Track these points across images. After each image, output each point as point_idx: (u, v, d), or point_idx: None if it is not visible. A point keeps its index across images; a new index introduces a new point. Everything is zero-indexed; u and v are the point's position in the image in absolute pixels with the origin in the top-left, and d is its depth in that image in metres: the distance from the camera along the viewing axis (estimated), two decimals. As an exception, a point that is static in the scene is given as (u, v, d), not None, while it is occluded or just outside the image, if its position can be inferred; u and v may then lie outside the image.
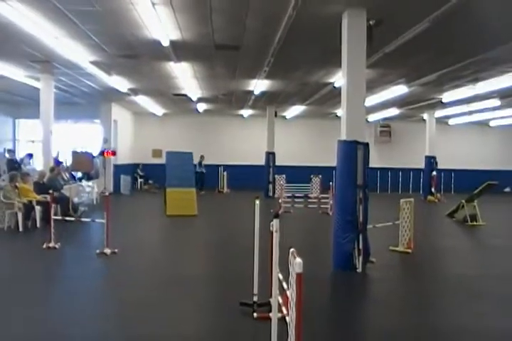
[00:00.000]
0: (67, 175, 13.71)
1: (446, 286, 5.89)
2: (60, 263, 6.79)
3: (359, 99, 6.84)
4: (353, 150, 6.62)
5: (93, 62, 10.48)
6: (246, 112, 21.04)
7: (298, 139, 23.03)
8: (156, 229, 10.37)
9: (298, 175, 20.64)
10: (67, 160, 16.66)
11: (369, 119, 21.01)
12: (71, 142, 18.54)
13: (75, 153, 16.34)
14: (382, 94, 13.84)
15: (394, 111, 18.58)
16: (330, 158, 21.20)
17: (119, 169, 18.77)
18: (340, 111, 6.93)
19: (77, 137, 19.05)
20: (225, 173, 20.98)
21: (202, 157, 20.08)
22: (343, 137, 6.83)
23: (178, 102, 18.03)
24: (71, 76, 12.03)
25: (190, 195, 12.34)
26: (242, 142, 22.78)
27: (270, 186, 18.51)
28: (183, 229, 10.07)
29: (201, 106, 19.32)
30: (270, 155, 18.82)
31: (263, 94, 15.29)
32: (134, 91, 15.06)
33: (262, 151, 19.23)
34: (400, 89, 12.90)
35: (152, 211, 13.39)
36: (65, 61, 10.14)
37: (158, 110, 20.75)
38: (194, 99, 16.54)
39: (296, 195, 14.26)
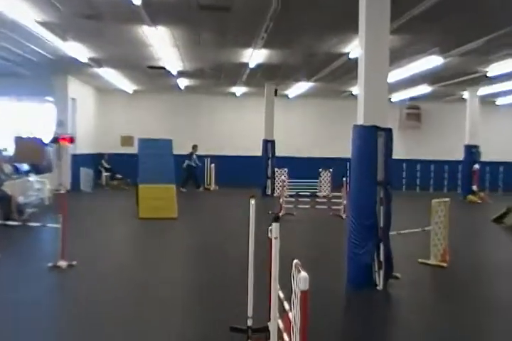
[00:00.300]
0: (9, 167, 13.54)
1: (491, 314, 5.68)
2: (0, 282, 6.53)
3: (380, 73, 6.82)
4: (372, 138, 6.62)
5: (42, 23, 10.31)
6: (239, 90, 21.02)
7: (303, 124, 23.08)
8: (126, 235, 10.37)
9: (303, 168, 20.72)
10: (8, 148, 16.42)
11: (393, 99, 21.04)
12: (14, 125, 18.13)
13: (19, 140, 16.05)
14: (410, 67, 13.84)
15: (424, 89, 18.57)
16: (343, 148, 21.19)
17: (79, 160, 18.70)
18: (356, 89, 6.88)
19: (23, 119, 18.57)
20: (212, 166, 21.00)
21: (195, 147, 20.07)
22: (360, 121, 6.83)
23: (153, 77, 17.95)
24: (12, 39, 11.76)
25: (168, 193, 12.35)
26: (234, 127, 22.79)
27: (269, 182, 18.58)
28: (159, 236, 10.07)
29: (183, 82, 19.27)
30: (269, 144, 18.85)
31: (260, 67, 15.24)
32: (97, 62, 14.97)
33: (259, 139, 19.25)
34: (432, 61, 12.87)
35: (121, 213, 13.38)
36: (3, 20, 9.93)
37: (128, 86, 20.68)
38: (174, 73, 16.47)
39: (301, 193, 14.30)
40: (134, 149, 17.02)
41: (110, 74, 17.25)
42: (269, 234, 4.07)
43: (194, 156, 19.99)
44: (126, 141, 22.05)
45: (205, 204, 16.29)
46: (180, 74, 17.13)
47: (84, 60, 14.05)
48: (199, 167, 20.04)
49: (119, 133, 22.19)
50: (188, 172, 19.60)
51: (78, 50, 13.05)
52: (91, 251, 8.39)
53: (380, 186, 6.65)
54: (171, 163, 12.90)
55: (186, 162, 19.61)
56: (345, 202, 12.70)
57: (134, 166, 13.86)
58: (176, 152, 13.68)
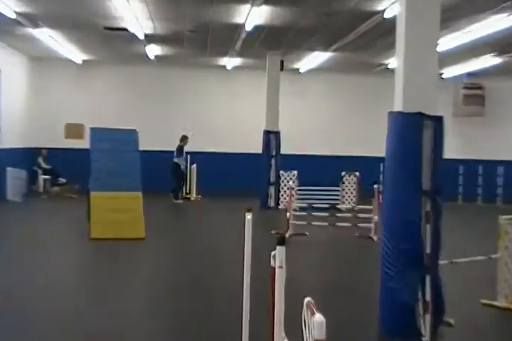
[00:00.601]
0: None
1: None
2: None
3: (428, 39, 6.84)
4: (415, 130, 6.63)
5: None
6: (231, 62, 21.08)
7: (319, 109, 23.18)
8: (69, 264, 10.36)
9: (319, 171, 20.81)
10: None
11: (445, 75, 21.11)
12: None
13: None
14: (471, 29, 13.85)
15: (490, 61, 18.60)
16: (375, 143, 21.14)
17: (3, 157, 18.73)
18: (393, 62, 6.82)
19: None
20: (193, 167, 21.04)
21: (184, 139, 19.95)
22: (399, 106, 6.85)
23: (111, 42, 17.97)
24: None
25: (133, 204, 12.40)
26: (224, 113, 22.87)
27: (271, 190, 18.64)
28: (117, 265, 10.06)
29: (153, 51, 19.30)
30: (272, 137, 18.91)
31: (260, 30, 15.26)
32: (31, 20, 14.97)
33: (258, 130, 19.31)
34: (502, 21, 12.89)
35: (65, 231, 13.37)
36: None
37: (76, 55, 20.73)
38: (140, 36, 16.52)
39: (316, 205, 14.32)
40: (84, 143, 17.04)
41: (50, 38, 17.27)
42: (272, 262, 4.08)
43: (183, 152, 19.88)
44: (74, 131, 22.10)
45: (183, 219, 16.32)
46: (150, 38, 17.15)
47: (11, 15, 14.00)
48: (182, 167, 19.84)
49: (63, 120, 22.24)
50: (175, 174, 19.49)
51: (1, 0, 13.03)
52: (21, 284, 8.38)
53: (425, 196, 6.65)
54: (135, 161, 12.90)
55: (175, 160, 19.51)
56: (376, 218, 12.72)
57: (84, 166, 13.83)
58: (142, 147, 13.69)
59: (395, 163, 6.80)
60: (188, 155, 20.69)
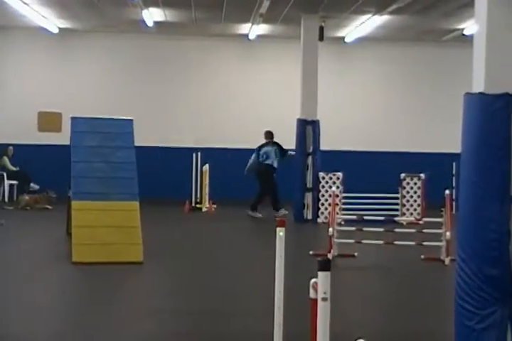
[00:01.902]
0: None
1: None
2: None
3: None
4: (501, 117, 6.58)
5: None
6: (254, 30, 21.09)
7: (370, 92, 23.10)
8: (46, 298, 10.40)
9: (371, 173, 20.70)
10: None
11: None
12: None
13: None
14: None
15: None
16: (445, 136, 20.93)
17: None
18: (471, 25, 6.70)
19: None
20: (205, 168, 21.08)
21: (269, 135, 19.87)
22: (479, 86, 6.79)
23: (97, 4, 18.06)
24: None
25: (128, 218, 12.43)
26: (245, 97, 22.90)
27: (308, 197, 18.61)
28: (108, 298, 10.11)
29: (152, 15, 19.38)
30: (309, 129, 18.88)
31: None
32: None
33: (291, 119, 19.31)
34: None
35: (39, 254, 13.41)
36: None
37: (51, 21, 20.90)
38: (135, -3, 16.62)
39: (368, 217, 14.26)
40: (63, 137, 17.13)
41: (18, 0, 17.41)
42: (312, 293, 4.07)
43: (269, 149, 19.58)
44: (49, 121, 22.27)
45: (193, 237, 16.30)
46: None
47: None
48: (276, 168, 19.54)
49: (35, 107, 22.44)
50: (266, 179, 19.37)
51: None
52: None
53: (516, 206, 6.61)
54: (131, 161, 12.96)
55: (267, 161, 19.27)
56: (449, 234, 12.65)
57: (63, 168, 13.90)
58: (138, 142, 13.74)
59: (475, 162, 6.75)
60: (199, 153, 20.75)
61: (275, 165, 19.40)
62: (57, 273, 11.76)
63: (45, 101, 22.27)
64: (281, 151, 19.48)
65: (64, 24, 21.22)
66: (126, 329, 8.52)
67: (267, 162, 19.38)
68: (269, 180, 19.25)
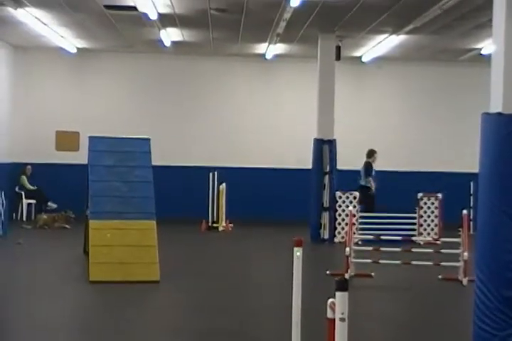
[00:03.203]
0: None
1: None
2: None
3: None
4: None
5: None
6: (271, 49, 21.16)
7: (387, 112, 23.13)
8: (64, 316, 10.42)
9: (388, 192, 20.61)
10: None
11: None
12: None
13: None
14: None
15: None
16: (462, 156, 20.81)
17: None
18: (488, 45, 6.67)
19: None
20: (222, 187, 21.10)
21: (372, 154, 19.74)
22: (497, 106, 6.79)
23: (115, 25, 18.21)
24: None
25: (145, 237, 12.44)
26: (262, 116, 22.93)
27: (325, 217, 18.57)
28: (124, 316, 10.10)
29: (170, 36, 19.51)
30: (326, 148, 18.87)
31: (311, 6, 15.33)
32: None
33: (307, 139, 19.33)
34: None
35: (57, 273, 13.43)
36: None
37: (69, 41, 21.03)
38: (153, 17, 16.71)
39: (385, 237, 14.22)
40: (80, 156, 17.20)
41: (36, 20, 17.51)
42: (330, 313, 4.07)
43: (372, 170, 19.48)
44: (67, 141, 22.36)
45: (210, 256, 16.29)
46: (165, 20, 17.34)
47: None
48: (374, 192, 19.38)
49: (53, 126, 22.57)
50: (363, 200, 18.99)
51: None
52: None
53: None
54: (148, 181, 13.00)
55: (361, 182, 19.18)
56: (467, 254, 12.58)
57: (80, 187, 13.95)
58: (155, 161, 13.79)
59: (492, 182, 6.74)
60: (215, 172, 20.77)
61: (362, 183, 19.28)
62: (74, 292, 11.76)
63: (63, 121, 22.39)
64: (365, 170, 19.49)
65: (82, 44, 21.37)
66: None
67: (359, 181, 19.40)
68: (363, 200, 19.10)
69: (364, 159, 19.47)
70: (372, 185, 19.17)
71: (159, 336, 9.18)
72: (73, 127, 22.18)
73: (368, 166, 19.38)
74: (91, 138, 13.73)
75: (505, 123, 6.68)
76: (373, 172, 19.37)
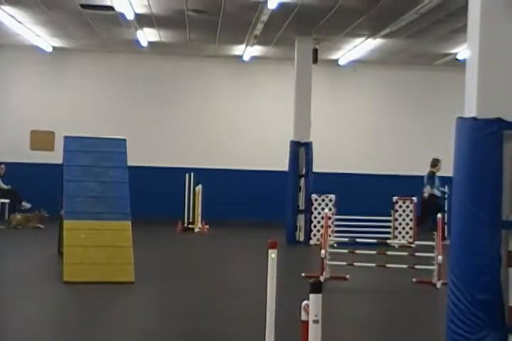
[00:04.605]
0: None
1: None
2: None
3: (509, 17, 6.85)
4: (492, 142, 6.62)
5: None
6: (248, 51, 21.20)
7: (363, 115, 23.22)
8: (37, 316, 10.38)
9: (364, 195, 20.73)
10: None
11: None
12: None
13: None
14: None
15: None
16: (439, 159, 20.86)
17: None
18: (464, 50, 6.71)
19: None
20: (198, 188, 21.09)
21: (436, 164, 19.63)
22: (471, 111, 6.83)
23: (91, 24, 18.14)
24: None
25: (120, 238, 12.40)
26: (238, 118, 22.96)
27: (300, 220, 18.61)
28: (99, 317, 10.08)
29: (146, 36, 19.49)
30: (302, 151, 18.91)
31: (288, 9, 15.36)
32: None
33: (284, 141, 19.35)
34: None
35: (30, 273, 13.36)
36: None
37: (45, 40, 21.01)
38: (130, 17, 16.68)
39: (360, 240, 14.27)
40: (55, 156, 17.13)
41: (12, 19, 17.51)
42: (303, 315, 4.09)
43: (436, 179, 19.67)
44: (41, 140, 22.26)
45: (185, 258, 16.28)
46: (142, 20, 17.32)
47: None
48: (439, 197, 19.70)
49: (28, 126, 22.47)
50: (429, 207, 19.19)
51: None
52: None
53: (508, 230, 6.63)
54: (124, 181, 12.97)
55: (427, 189, 19.40)
56: (441, 258, 12.66)
57: (55, 187, 13.89)
58: (134, 161, 13.75)
59: (466, 186, 6.78)
60: (191, 174, 20.76)
61: (430, 192, 19.45)
62: (48, 293, 11.70)
63: (37, 120, 22.28)
64: (429, 179, 19.66)
65: (58, 43, 21.28)
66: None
67: (423, 190, 19.55)
68: (428, 207, 19.25)
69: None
70: (437, 193, 19.45)
71: (134, 337, 9.16)
72: (48, 127, 22.08)
73: (431, 175, 19.59)
74: (66, 137, 13.66)
75: (479, 127, 6.72)
76: (437, 181, 19.52)
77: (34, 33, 19.42)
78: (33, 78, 22.64)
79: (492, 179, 6.64)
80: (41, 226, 19.52)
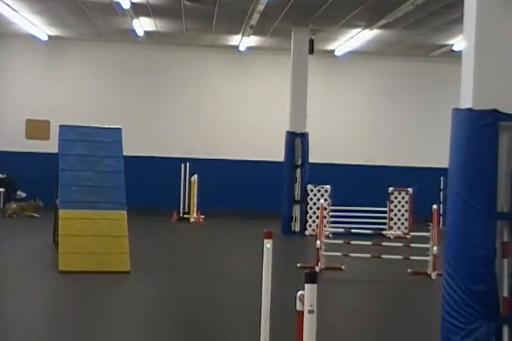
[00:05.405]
0: None
1: None
2: None
3: (509, 9, 6.85)
4: (489, 133, 6.62)
5: None
6: (244, 41, 21.16)
7: (360, 106, 23.21)
8: (32, 306, 10.37)
9: (360, 186, 20.75)
10: None
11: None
12: None
13: None
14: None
15: None
16: (433, 151, 20.94)
17: None
18: (460, 42, 6.75)
19: None
20: (194, 178, 21.08)
21: None
22: (467, 102, 6.83)
23: (87, 13, 18.09)
24: None
25: (116, 227, 12.41)
26: (234, 108, 22.94)
27: (296, 210, 18.62)
28: (94, 306, 10.09)
29: (143, 25, 19.44)
30: (298, 141, 18.90)
31: (284, 0, 15.30)
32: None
33: (280, 131, 19.36)
34: None
35: (26, 262, 13.36)
36: None
37: (40, 29, 20.93)
38: (126, 6, 16.63)
39: (356, 231, 14.30)
40: (51, 145, 17.10)
41: (7, 7, 17.44)
42: (299, 305, 4.10)
43: None
44: (37, 129, 22.22)
45: (181, 247, 16.30)
46: (138, 9, 17.27)
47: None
48: None
49: (24, 115, 22.41)
50: None
51: None
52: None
53: (503, 221, 6.65)
54: (119, 171, 12.96)
55: None
56: (436, 249, 12.69)
57: (50, 176, 13.89)
58: (127, 151, 13.74)
59: (462, 177, 6.79)
60: (188, 164, 20.75)
61: None
62: (43, 282, 11.71)
63: (33, 109, 22.22)
64: None
65: (53, 32, 21.21)
66: (112, 339, 8.52)
67: None
68: None
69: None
70: None
71: (129, 326, 9.18)
72: (44, 116, 22.03)
73: None
74: (62, 127, 13.65)
75: (474, 118, 6.72)
76: None
77: (30, 21, 19.35)
78: (28, 67, 22.56)
79: (488, 170, 6.64)
80: (36, 215, 19.51)
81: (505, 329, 6.64)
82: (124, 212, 12.65)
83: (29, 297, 10.68)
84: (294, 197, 18.62)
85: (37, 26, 20.14)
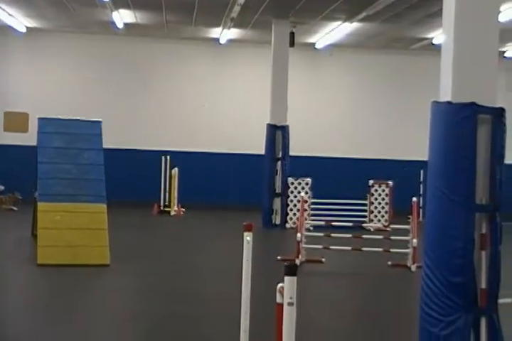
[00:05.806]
0: None
1: None
2: None
3: (486, 5, 6.86)
4: (467, 126, 6.66)
5: None
6: (225, 34, 21.11)
7: (340, 99, 23.24)
8: (10, 299, 10.35)
9: (340, 179, 20.80)
10: None
11: (508, 53, 21.10)
12: None
13: None
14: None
15: None
16: (413, 144, 21.01)
17: None
18: (439, 35, 6.79)
19: None
20: (175, 171, 21.06)
21: None
22: (446, 95, 6.87)
23: (66, 4, 17.99)
24: None
25: (95, 220, 12.39)
26: (214, 101, 22.89)
27: (277, 203, 18.65)
28: (73, 300, 10.07)
29: (122, 17, 19.38)
30: (278, 134, 18.91)
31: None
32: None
33: (260, 124, 19.36)
34: None
35: (3, 255, 13.32)
36: None
37: (18, 20, 20.79)
38: (106, -2, 16.59)
39: (336, 224, 14.35)
40: (29, 138, 17.03)
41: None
42: (278, 297, 4.12)
43: None
44: (16, 122, 22.10)
45: (161, 240, 16.28)
46: (118, 1, 17.22)
47: None
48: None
49: (2, 107, 22.27)
50: None
51: None
52: None
53: (481, 213, 6.69)
54: (99, 163, 12.92)
55: None
56: (415, 241, 12.75)
57: (28, 169, 13.83)
58: (109, 144, 13.71)
59: (441, 170, 6.82)
60: (168, 157, 20.73)
61: None
62: (21, 275, 11.67)
63: (11, 101, 22.09)
64: None
65: (32, 23, 21.08)
66: (92, 333, 8.51)
67: None
68: None
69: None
70: None
71: (109, 320, 9.17)
72: (22, 108, 21.91)
73: None
74: (40, 119, 13.58)
75: (454, 111, 6.76)
76: None
77: (7, 12, 19.21)
78: (6, 59, 22.39)
79: (466, 163, 6.68)
80: (15, 208, 19.45)
81: (483, 321, 6.69)
82: (104, 205, 12.63)
83: (6, 290, 10.65)
84: (275, 189, 18.64)
85: (15, 17, 20.00)
